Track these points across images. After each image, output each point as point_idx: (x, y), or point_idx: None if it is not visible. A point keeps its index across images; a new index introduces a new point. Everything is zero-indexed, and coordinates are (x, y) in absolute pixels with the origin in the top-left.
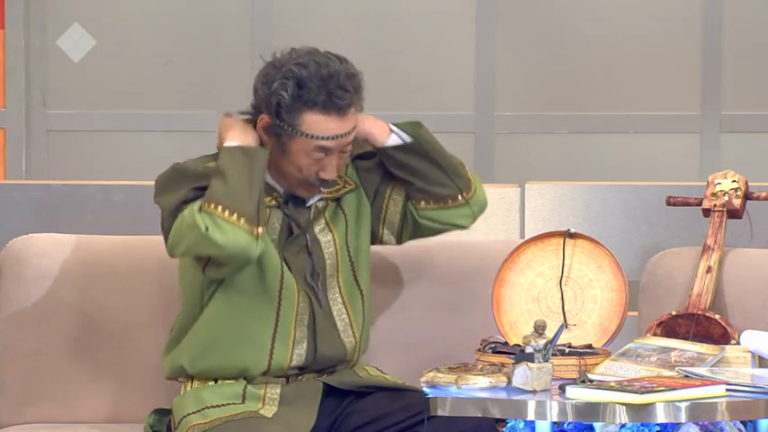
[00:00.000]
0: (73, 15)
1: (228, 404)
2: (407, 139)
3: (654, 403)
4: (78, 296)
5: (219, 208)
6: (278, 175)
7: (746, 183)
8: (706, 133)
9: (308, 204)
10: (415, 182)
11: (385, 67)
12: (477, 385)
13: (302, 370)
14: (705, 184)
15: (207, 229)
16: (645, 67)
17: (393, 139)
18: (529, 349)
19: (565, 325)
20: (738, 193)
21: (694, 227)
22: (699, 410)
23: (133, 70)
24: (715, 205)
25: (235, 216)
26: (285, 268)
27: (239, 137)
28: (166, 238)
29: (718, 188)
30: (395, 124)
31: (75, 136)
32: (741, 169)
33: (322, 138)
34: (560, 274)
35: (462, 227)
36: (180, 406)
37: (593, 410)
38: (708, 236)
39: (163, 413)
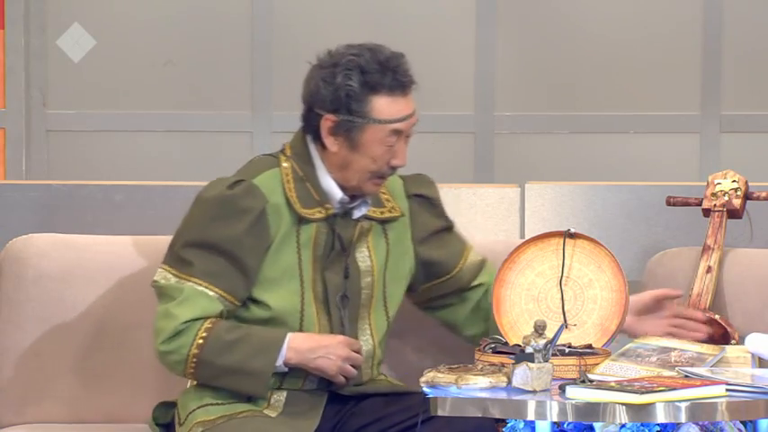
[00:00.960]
0: (73, 15)
1: (232, 402)
2: None
3: (654, 403)
4: (78, 296)
5: (193, 363)
6: (345, 174)
7: (746, 183)
8: (706, 133)
9: (354, 217)
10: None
11: None
12: (477, 385)
13: (314, 388)
14: (705, 184)
15: (165, 341)
16: (645, 67)
17: None
18: (529, 349)
19: (565, 325)
20: (738, 193)
21: (694, 227)
22: (699, 410)
23: (133, 70)
24: (715, 205)
25: (191, 374)
26: (308, 292)
27: (297, 359)
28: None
29: (718, 188)
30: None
31: (75, 136)
32: (741, 169)
33: (394, 120)
34: (560, 275)
35: None
36: (185, 401)
37: (593, 410)
38: (708, 236)
39: (169, 406)
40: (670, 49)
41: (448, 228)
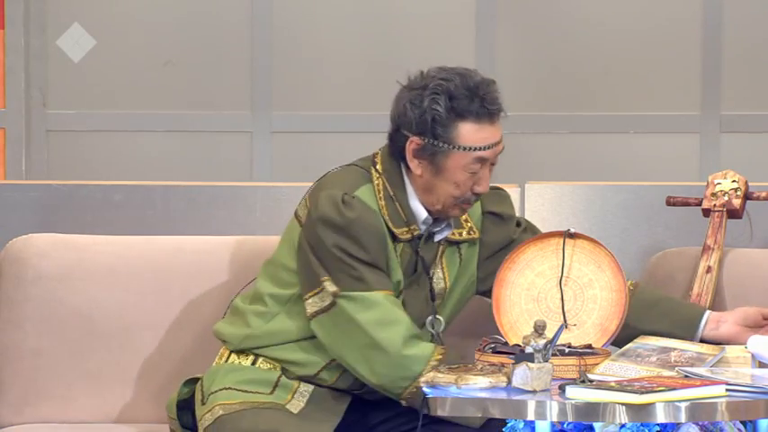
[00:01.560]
0: (73, 15)
1: (256, 392)
2: None
3: (654, 403)
4: (78, 296)
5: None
6: (429, 197)
7: (746, 183)
8: (706, 133)
9: (436, 240)
10: None
11: (384, 67)
12: (477, 385)
13: (344, 388)
14: (705, 184)
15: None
16: (645, 67)
17: None
18: (529, 349)
19: (565, 325)
20: (738, 193)
21: (694, 227)
22: (699, 410)
23: (133, 70)
24: (715, 205)
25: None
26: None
27: None
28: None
29: (717, 188)
30: None
31: (75, 136)
32: (741, 169)
33: (479, 148)
34: (560, 274)
35: None
36: (209, 381)
37: (592, 410)
38: (708, 236)
39: (194, 382)
40: (670, 48)
41: (516, 238)
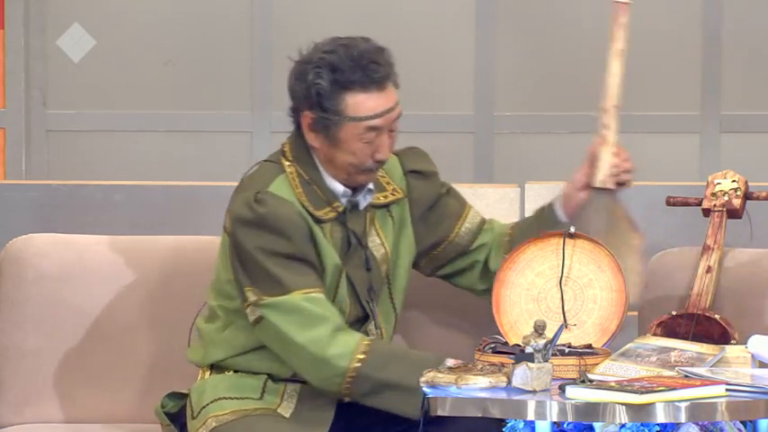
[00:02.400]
0: (73, 15)
1: (246, 398)
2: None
3: (654, 403)
4: (78, 296)
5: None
6: (332, 169)
7: (746, 183)
8: (706, 133)
9: (361, 208)
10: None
11: None
12: (477, 385)
13: None
14: (705, 184)
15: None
16: (645, 67)
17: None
18: (529, 349)
19: (565, 325)
20: (738, 193)
21: (694, 227)
22: (699, 410)
23: (133, 70)
24: (715, 205)
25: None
26: (341, 287)
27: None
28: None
29: (717, 188)
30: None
31: (75, 136)
32: (741, 169)
33: (369, 117)
34: (560, 274)
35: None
36: (198, 395)
37: (592, 410)
38: (708, 236)
39: (178, 397)
40: (670, 49)
41: (443, 194)
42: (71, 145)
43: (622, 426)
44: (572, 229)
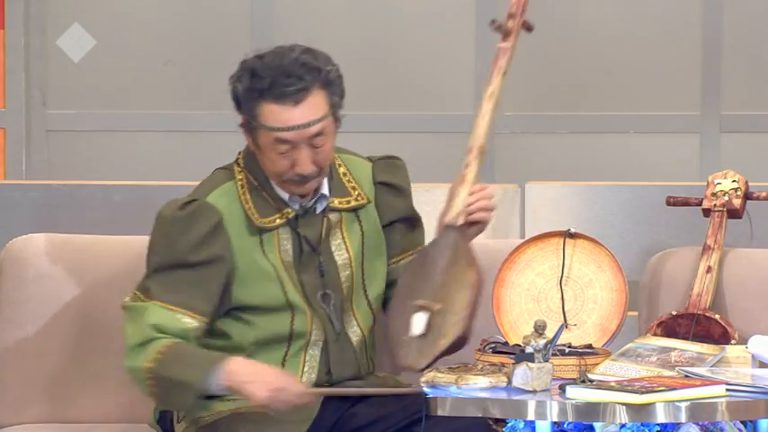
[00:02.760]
0: (73, 15)
1: (231, 399)
2: None
3: (654, 403)
4: (78, 296)
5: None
6: (268, 173)
7: (746, 183)
8: (706, 133)
9: (318, 212)
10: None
11: (385, 66)
12: (478, 385)
13: (316, 384)
14: (705, 184)
15: (133, 358)
16: (645, 66)
17: None
18: (529, 349)
19: (565, 325)
20: (738, 193)
21: (694, 227)
22: (699, 410)
23: (133, 70)
24: (715, 205)
25: (153, 391)
26: (291, 294)
27: (233, 387)
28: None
29: (718, 188)
30: None
31: (75, 136)
32: (741, 169)
33: (279, 129)
34: (560, 274)
35: None
36: None
37: (593, 410)
38: (708, 236)
39: None
40: (670, 49)
41: (409, 219)
42: (71, 145)
43: (622, 426)
44: (572, 230)
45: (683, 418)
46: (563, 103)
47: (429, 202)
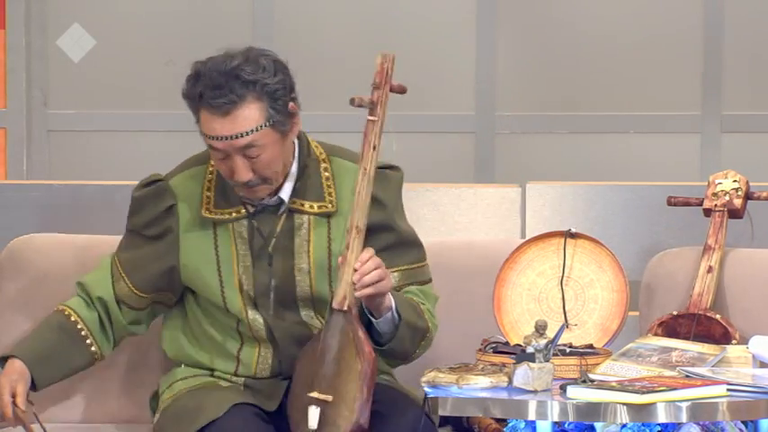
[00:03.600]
0: (73, 15)
1: (196, 376)
2: (382, 339)
3: (655, 403)
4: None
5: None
6: None
7: (747, 183)
8: (707, 133)
9: (279, 213)
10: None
11: None
12: (479, 385)
13: (273, 375)
14: (706, 184)
15: None
16: (645, 67)
17: (385, 320)
18: (530, 349)
19: (566, 325)
20: (739, 192)
21: (695, 227)
22: (700, 410)
23: (134, 70)
24: (716, 205)
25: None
26: (229, 298)
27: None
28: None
29: (719, 188)
30: (400, 313)
31: (76, 136)
32: (742, 169)
33: (210, 137)
34: (561, 274)
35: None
36: (161, 385)
37: (594, 410)
38: (709, 236)
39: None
40: (671, 48)
41: (387, 232)
42: (72, 145)
43: (623, 426)
44: (573, 230)
45: (683, 418)
46: (563, 103)
47: (430, 203)
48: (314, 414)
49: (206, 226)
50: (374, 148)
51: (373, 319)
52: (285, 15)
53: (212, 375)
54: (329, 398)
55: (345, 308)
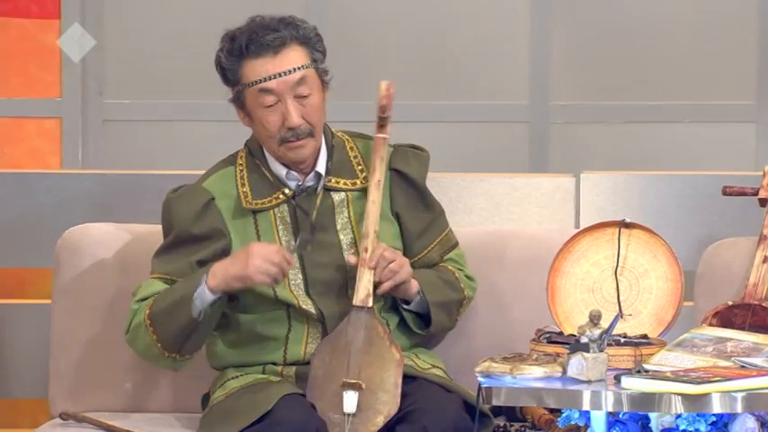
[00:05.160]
0: (128, 5)
1: (248, 374)
2: (418, 323)
3: (709, 393)
4: (133, 285)
5: (148, 321)
6: (264, 145)
7: None
8: (762, 122)
9: (317, 192)
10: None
11: (439, 56)
12: (532, 375)
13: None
14: (761, 173)
15: (127, 331)
16: (700, 55)
17: (415, 305)
18: (584, 339)
19: (620, 315)
20: None
21: (750, 217)
22: (755, 400)
23: (189, 59)
24: None
25: (155, 337)
26: (280, 288)
27: (219, 277)
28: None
29: None
30: (426, 296)
31: (132, 126)
32: None
33: (260, 80)
34: (615, 264)
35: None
36: (213, 385)
37: (648, 400)
38: (764, 225)
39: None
40: (725, 37)
41: (420, 207)
42: (127, 134)
43: (678, 416)
44: (627, 219)
45: (738, 409)
46: (618, 93)
47: (483, 193)
48: (352, 398)
49: (247, 219)
50: (382, 159)
51: (405, 306)
52: (340, 6)
53: (263, 372)
54: (364, 384)
55: (369, 305)
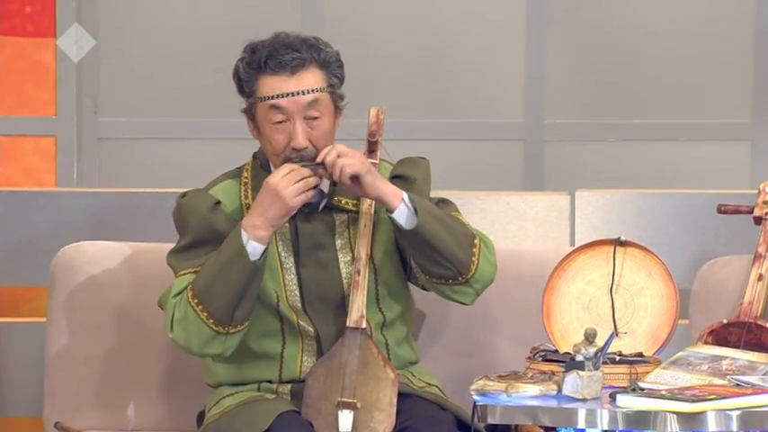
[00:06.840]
0: (124, 23)
1: (243, 392)
2: (407, 226)
3: (705, 412)
4: (129, 303)
5: (195, 300)
6: (273, 164)
7: None
8: (757, 141)
9: (319, 210)
10: (412, 257)
11: (434, 73)
12: (528, 393)
13: None
14: (756, 191)
15: (171, 327)
16: (695, 74)
17: (401, 211)
18: (579, 357)
19: (615, 333)
20: None
21: (745, 235)
22: (751, 419)
23: (184, 78)
24: (766, 213)
25: (205, 314)
26: (282, 293)
27: (261, 227)
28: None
29: None
30: (411, 199)
31: (127, 143)
32: None
33: (272, 97)
34: (611, 282)
35: (464, 303)
36: (208, 403)
37: (643, 419)
38: (759, 244)
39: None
40: (720, 56)
41: (435, 203)
42: (122, 152)
43: None
44: (622, 237)
45: (734, 427)
46: (613, 111)
47: (478, 211)
48: (347, 417)
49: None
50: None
51: (390, 215)
52: (335, 20)
53: (258, 389)
54: (359, 404)
55: (363, 326)
